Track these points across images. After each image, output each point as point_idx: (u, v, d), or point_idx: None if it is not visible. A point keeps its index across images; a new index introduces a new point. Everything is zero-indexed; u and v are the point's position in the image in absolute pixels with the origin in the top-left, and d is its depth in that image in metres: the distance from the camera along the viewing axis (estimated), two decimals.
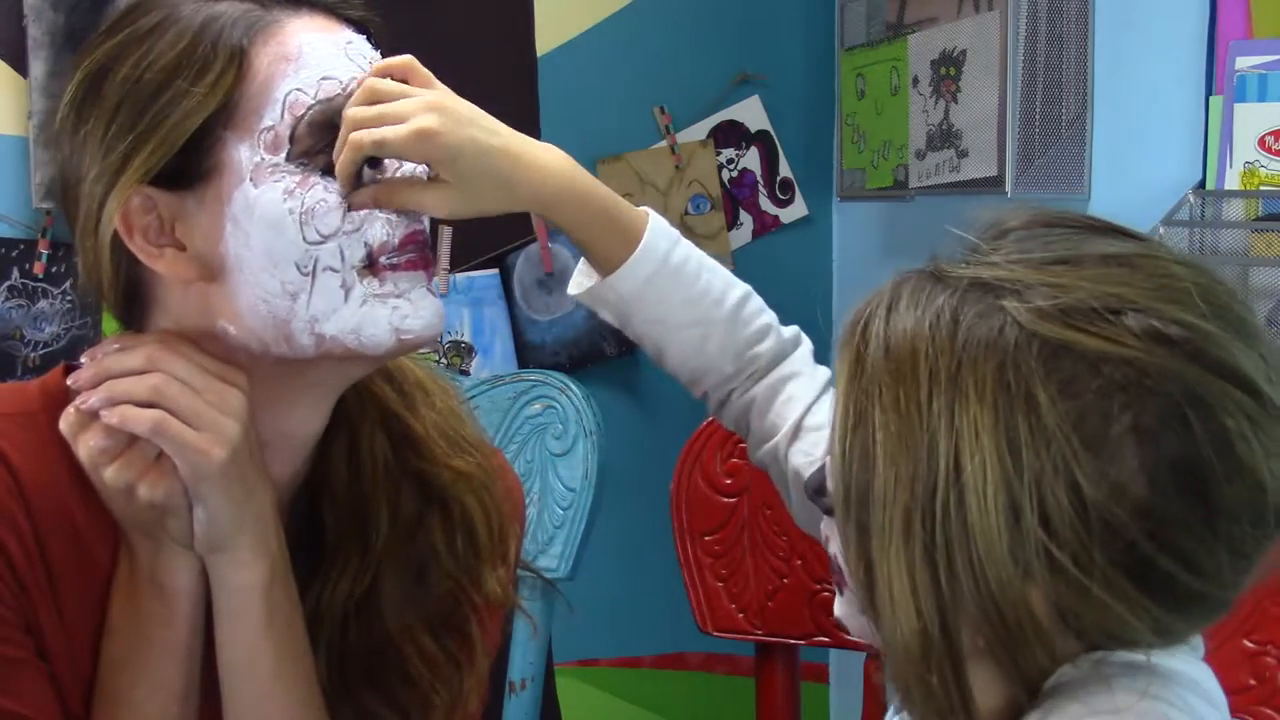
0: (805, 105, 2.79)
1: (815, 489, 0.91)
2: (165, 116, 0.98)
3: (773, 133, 2.75)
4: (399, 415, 1.11)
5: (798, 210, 2.79)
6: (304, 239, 0.99)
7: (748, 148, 2.75)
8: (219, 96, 0.99)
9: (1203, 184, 1.95)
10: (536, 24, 2.55)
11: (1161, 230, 1.92)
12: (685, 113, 2.68)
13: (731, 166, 2.73)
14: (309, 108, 1.00)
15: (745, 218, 2.76)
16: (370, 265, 1.00)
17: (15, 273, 2.22)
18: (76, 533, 1.00)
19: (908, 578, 0.79)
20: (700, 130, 2.70)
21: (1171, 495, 0.78)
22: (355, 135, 0.99)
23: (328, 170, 1.00)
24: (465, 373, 2.49)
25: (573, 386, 1.46)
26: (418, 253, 1.02)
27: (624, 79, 2.63)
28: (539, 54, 2.56)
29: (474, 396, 1.48)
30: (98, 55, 1.03)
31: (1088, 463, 0.77)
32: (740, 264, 2.73)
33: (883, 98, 2.61)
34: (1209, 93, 1.97)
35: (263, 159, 0.99)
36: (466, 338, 2.51)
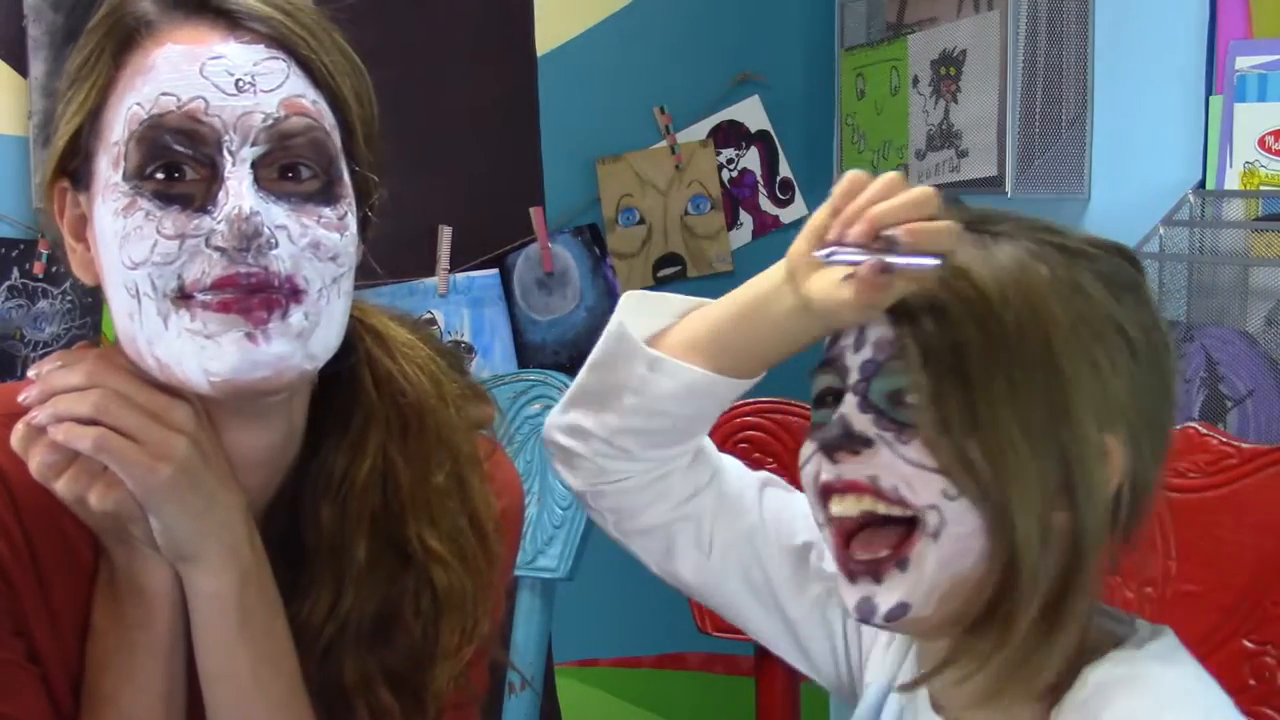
0: (805, 105, 2.79)
1: (891, 396, 0.93)
2: (62, 119, 1.00)
3: (773, 133, 2.75)
4: (399, 482, 1.07)
5: (798, 210, 2.79)
6: (122, 263, 0.95)
7: (748, 148, 2.75)
8: (89, 105, 0.98)
9: (1203, 184, 1.95)
10: (536, 24, 2.56)
11: (1162, 230, 1.92)
12: (685, 113, 2.68)
13: (731, 166, 2.73)
14: (141, 123, 0.95)
15: (745, 218, 2.76)
16: (184, 297, 0.95)
17: (15, 273, 2.22)
18: (64, 534, 1.00)
19: (1025, 439, 0.90)
20: (700, 130, 2.70)
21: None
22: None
23: (156, 195, 0.95)
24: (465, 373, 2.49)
25: None
26: (236, 295, 0.94)
27: (624, 79, 2.63)
28: (539, 54, 2.56)
29: None
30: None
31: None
32: (740, 264, 2.73)
33: (883, 98, 2.61)
34: (1209, 93, 1.97)
35: (109, 175, 0.96)
36: (466, 338, 2.51)
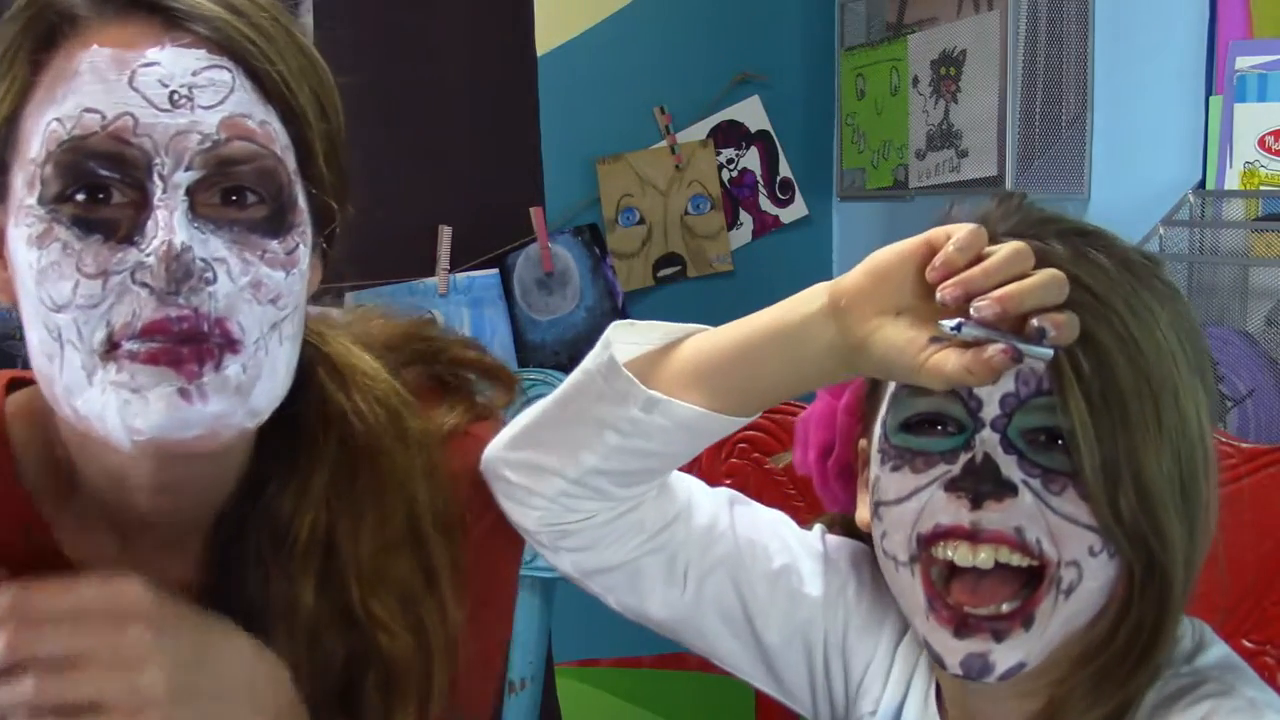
0: (805, 105, 2.79)
1: (1032, 435, 0.87)
2: None
3: (773, 133, 2.75)
4: (342, 540, 0.96)
5: (798, 210, 2.79)
6: (41, 302, 0.83)
7: (748, 148, 2.75)
8: (3, 112, 0.85)
9: (1203, 184, 1.95)
10: (536, 24, 2.55)
11: (1162, 230, 1.92)
12: (685, 113, 2.68)
13: (731, 166, 2.73)
14: (59, 144, 0.82)
15: (745, 218, 2.76)
16: (112, 349, 0.82)
17: None
18: (8, 559, 0.89)
19: (1170, 486, 0.86)
20: (700, 130, 2.70)
21: None
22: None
23: (76, 221, 0.82)
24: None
25: None
26: (164, 345, 0.82)
27: (624, 79, 2.63)
28: (539, 54, 2.56)
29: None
30: None
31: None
32: (740, 264, 2.73)
33: (883, 98, 2.61)
34: (1209, 93, 1.97)
35: (24, 195, 0.84)
36: None
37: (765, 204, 2.77)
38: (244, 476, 0.96)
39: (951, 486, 0.88)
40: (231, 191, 0.85)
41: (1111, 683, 0.88)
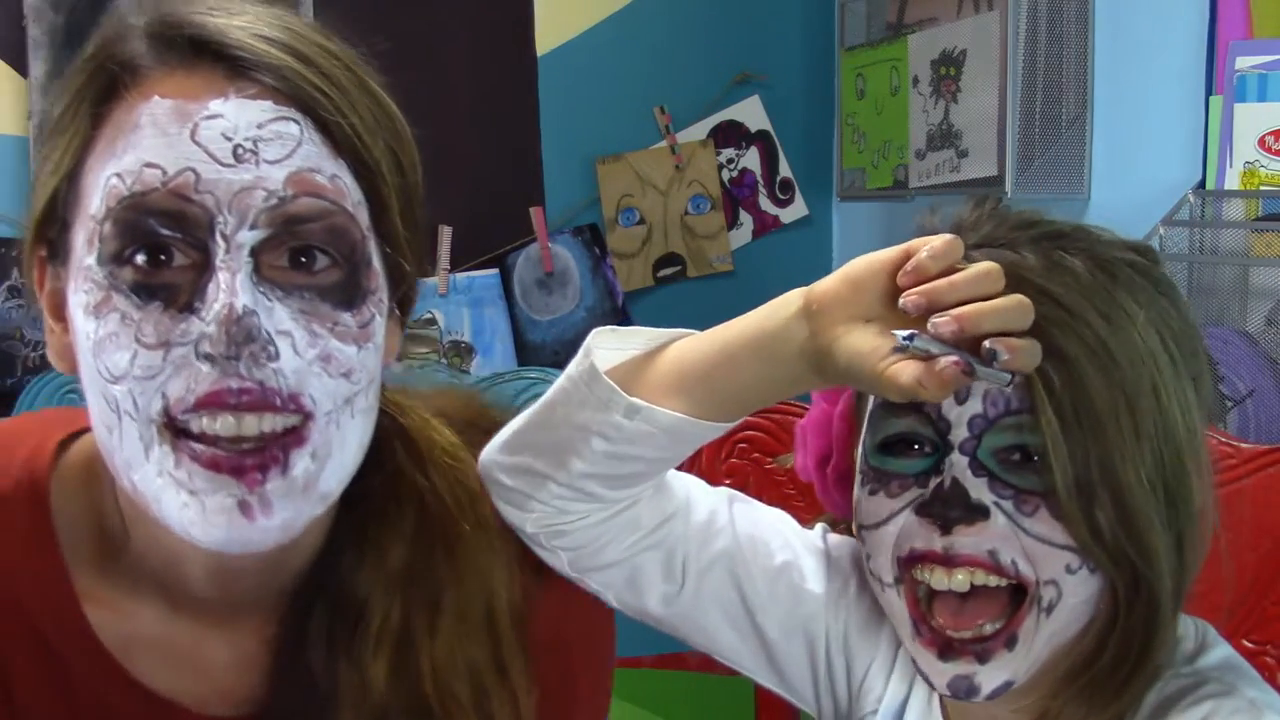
0: (805, 105, 2.79)
1: (1003, 454, 0.85)
2: (39, 175, 0.83)
3: (773, 133, 2.75)
4: (417, 630, 0.91)
5: (798, 210, 2.79)
6: (99, 373, 0.79)
7: (748, 148, 2.75)
8: (65, 167, 0.81)
9: (1203, 184, 1.95)
10: (536, 24, 2.56)
11: (1161, 230, 1.92)
12: (685, 113, 2.68)
13: (731, 166, 2.73)
14: (119, 200, 0.78)
15: (745, 218, 2.76)
16: (170, 423, 0.78)
17: (15, 273, 2.22)
18: (43, 641, 0.86)
19: (1151, 496, 0.84)
20: (700, 130, 2.70)
21: None
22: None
23: (136, 288, 0.78)
24: (465, 372, 2.49)
25: None
26: (227, 453, 0.77)
27: (624, 79, 2.63)
28: (539, 54, 2.56)
29: None
30: None
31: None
32: (740, 264, 2.73)
33: (883, 98, 2.61)
34: (1209, 93, 1.97)
35: (83, 255, 0.79)
36: (466, 338, 2.51)
37: (765, 204, 2.77)
38: (315, 554, 0.90)
39: (922, 511, 0.87)
40: (300, 252, 0.79)
41: (1105, 693, 0.88)
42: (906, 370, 0.78)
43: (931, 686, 0.90)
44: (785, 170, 2.78)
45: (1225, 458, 1.19)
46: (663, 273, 2.68)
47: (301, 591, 0.90)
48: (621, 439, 0.90)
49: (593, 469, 0.92)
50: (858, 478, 0.93)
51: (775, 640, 1.03)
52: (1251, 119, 1.88)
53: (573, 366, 0.92)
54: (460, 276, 2.50)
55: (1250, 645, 1.17)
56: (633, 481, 0.95)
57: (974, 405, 0.85)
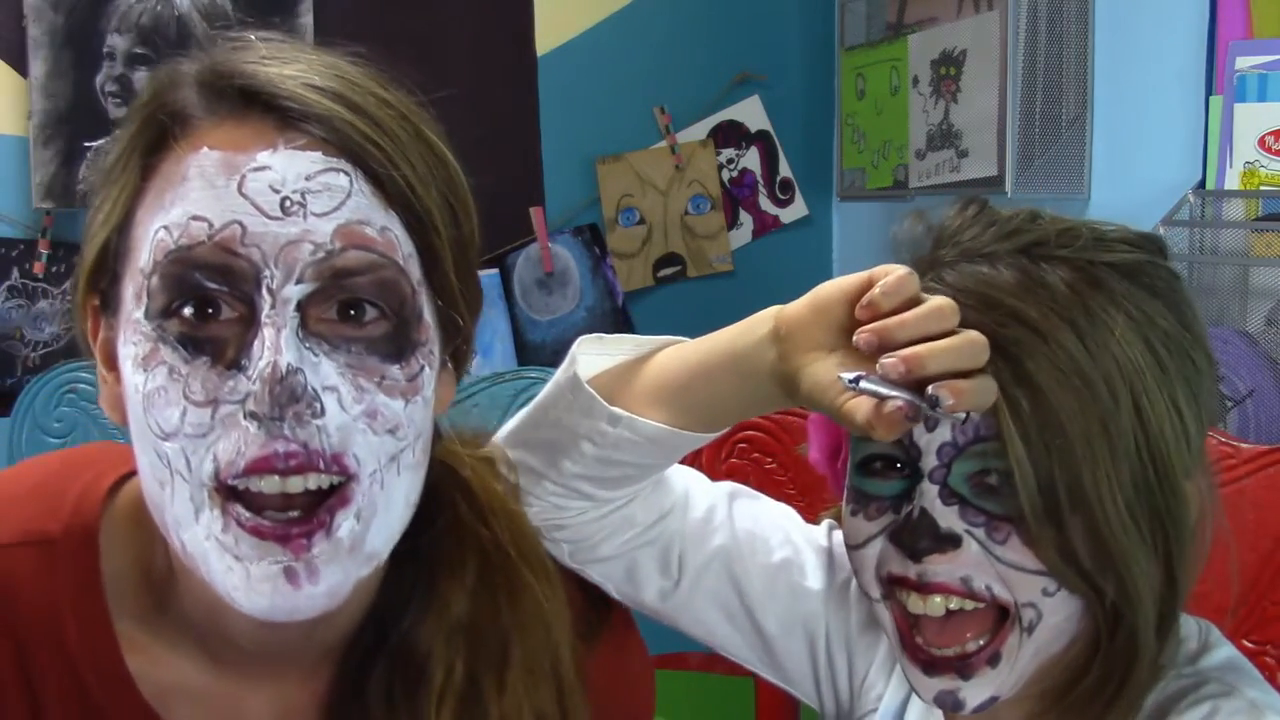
0: (805, 105, 2.79)
1: (976, 480, 0.85)
2: (90, 226, 0.83)
3: (773, 133, 2.75)
4: (480, 689, 0.89)
5: (798, 210, 2.79)
6: (149, 429, 0.78)
7: (748, 148, 2.75)
8: (115, 220, 0.81)
9: (1203, 184, 1.95)
10: (536, 24, 2.56)
11: (1161, 230, 1.92)
12: (685, 113, 2.68)
13: (731, 166, 2.73)
14: (166, 254, 0.77)
15: (745, 218, 2.76)
16: (219, 488, 0.77)
17: (15, 273, 2.22)
18: (74, 675, 0.86)
19: (1130, 516, 0.83)
20: (700, 130, 2.70)
21: None
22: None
23: (183, 341, 0.77)
24: (465, 372, 2.49)
25: None
26: (273, 523, 0.77)
27: (624, 79, 2.63)
28: (539, 54, 2.56)
29: (474, 394, 1.48)
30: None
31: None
32: (740, 264, 2.73)
33: (883, 98, 2.61)
34: (1209, 93, 1.97)
35: (132, 308, 0.79)
36: None
37: (765, 204, 2.77)
38: (369, 609, 0.89)
39: (894, 539, 0.87)
40: (349, 305, 0.78)
41: (1095, 707, 0.88)
42: (860, 409, 0.78)
43: (921, 699, 0.91)
44: (785, 170, 2.78)
45: (1225, 458, 1.19)
46: (663, 273, 2.68)
47: (354, 646, 0.89)
48: (607, 444, 0.92)
49: (583, 470, 0.94)
50: (845, 493, 0.93)
51: (774, 636, 1.04)
52: (1251, 119, 1.88)
53: (560, 371, 0.93)
54: None
55: (1250, 645, 1.17)
56: (624, 483, 0.96)
57: (943, 433, 0.85)
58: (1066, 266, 0.86)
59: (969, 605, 0.86)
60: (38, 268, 2.22)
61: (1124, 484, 0.83)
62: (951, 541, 0.85)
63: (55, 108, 2.20)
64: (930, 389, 0.77)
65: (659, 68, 2.66)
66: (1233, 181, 1.89)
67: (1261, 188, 1.87)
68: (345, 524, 0.78)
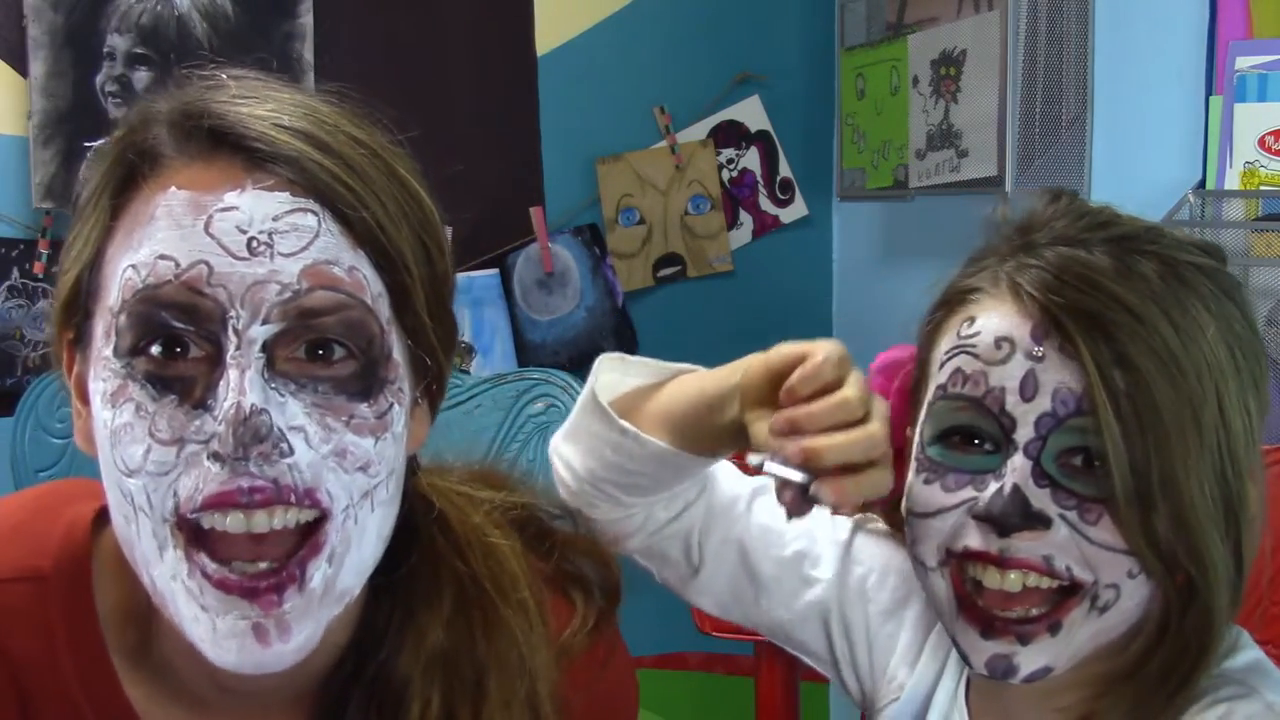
0: (805, 105, 2.79)
1: (1065, 458, 0.86)
2: (64, 262, 0.83)
3: (773, 133, 2.75)
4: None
5: (798, 210, 2.79)
6: (115, 465, 0.78)
7: (748, 148, 2.75)
8: (85, 258, 0.81)
9: (1203, 184, 1.95)
10: (536, 24, 2.56)
11: None
12: (685, 113, 2.68)
13: (731, 166, 2.73)
14: (134, 293, 0.77)
15: (745, 218, 2.76)
16: (181, 522, 0.77)
17: (15, 273, 2.22)
18: (70, 700, 0.86)
19: (1208, 495, 0.85)
20: (700, 130, 2.70)
21: None
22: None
23: (150, 379, 0.77)
24: (466, 372, 2.49)
25: (575, 385, 1.46)
26: (239, 578, 0.76)
27: (624, 79, 2.63)
28: (539, 54, 2.56)
29: (476, 395, 1.48)
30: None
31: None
32: (740, 264, 2.73)
33: (883, 98, 2.61)
34: (1209, 93, 1.97)
35: (102, 346, 0.79)
36: (466, 338, 2.51)
37: (765, 204, 2.77)
38: (349, 642, 0.89)
39: (978, 514, 0.87)
40: (317, 345, 0.79)
41: (1155, 701, 0.88)
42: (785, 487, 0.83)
43: (970, 666, 0.90)
44: (785, 170, 2.78)
45: None
46: (663, 273, 2.68)
47: (334, 677, 0.89)
48: (623, 455, 0.97)
49: (607, 475, 0.99)
50: (912, 463, 0.93)
51: (789, 621, 1.08)
52: (1251, 119, 1.88)
53: (588, 381, 1.01)
54: (460, 276, 2.50)
55: None
56: (643, 493, 1.02)
57: (1043, 403, 0.85)
58: (1157, 260, 0.88)
59: (1045, 583, 0.87)
60: (38, 268, 2.22)
61: (1206, 476, 0.85)
62: (1042, 521, 0.85)
63: (55, 107, 2.20)
64: (812, 488, 0.81)
65: (659, 68, 2.66)
66: (1233, 181, 1.89)
67: (1261, 188, 1.87)
68: (318, 574, 0.79)
